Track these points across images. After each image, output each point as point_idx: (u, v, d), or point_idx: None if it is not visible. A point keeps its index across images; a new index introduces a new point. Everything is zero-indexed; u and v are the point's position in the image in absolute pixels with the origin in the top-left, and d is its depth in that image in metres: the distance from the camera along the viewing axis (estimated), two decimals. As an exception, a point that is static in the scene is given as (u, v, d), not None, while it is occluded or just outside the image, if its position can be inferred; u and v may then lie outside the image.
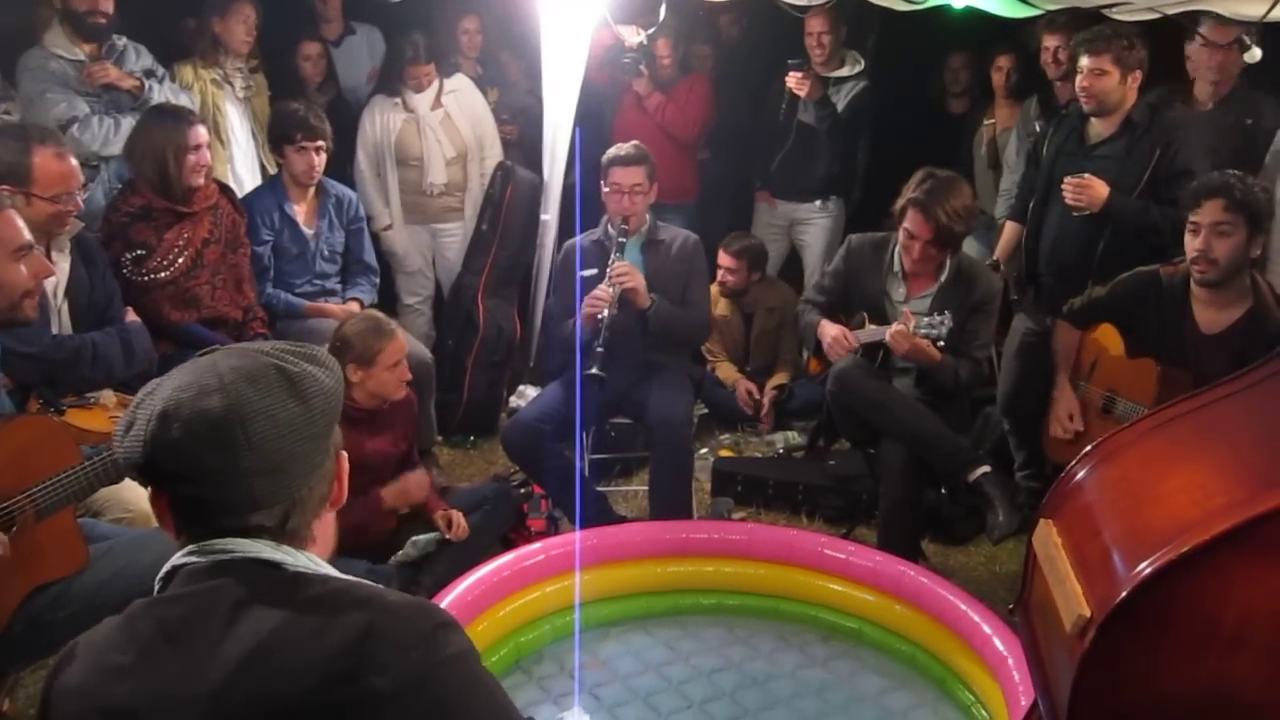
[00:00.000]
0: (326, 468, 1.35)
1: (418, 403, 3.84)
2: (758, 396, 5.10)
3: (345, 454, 1.40)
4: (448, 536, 3.55)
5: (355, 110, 5.14)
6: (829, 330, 3.86)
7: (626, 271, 3.92)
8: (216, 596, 1.26)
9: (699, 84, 5.52)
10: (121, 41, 4.22)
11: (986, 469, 3.60)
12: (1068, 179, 3.96)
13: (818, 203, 5.42)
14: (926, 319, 3.62)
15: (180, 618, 1.26)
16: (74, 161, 3.14)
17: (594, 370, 3.73)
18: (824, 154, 5.27)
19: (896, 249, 3.83)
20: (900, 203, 3.70)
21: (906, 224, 3.67)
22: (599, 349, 3.77)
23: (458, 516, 3.60)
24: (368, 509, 3.43)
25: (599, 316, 3.82)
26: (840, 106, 5.17)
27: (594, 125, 5.10)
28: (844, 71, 5.21)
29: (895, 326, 3.63)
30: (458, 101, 5.06)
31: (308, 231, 4.36)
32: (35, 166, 3.01)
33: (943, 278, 3.77)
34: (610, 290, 3.86)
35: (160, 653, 1.24)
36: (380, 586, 1.33)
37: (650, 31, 4.95)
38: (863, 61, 5.27)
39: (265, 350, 1.33)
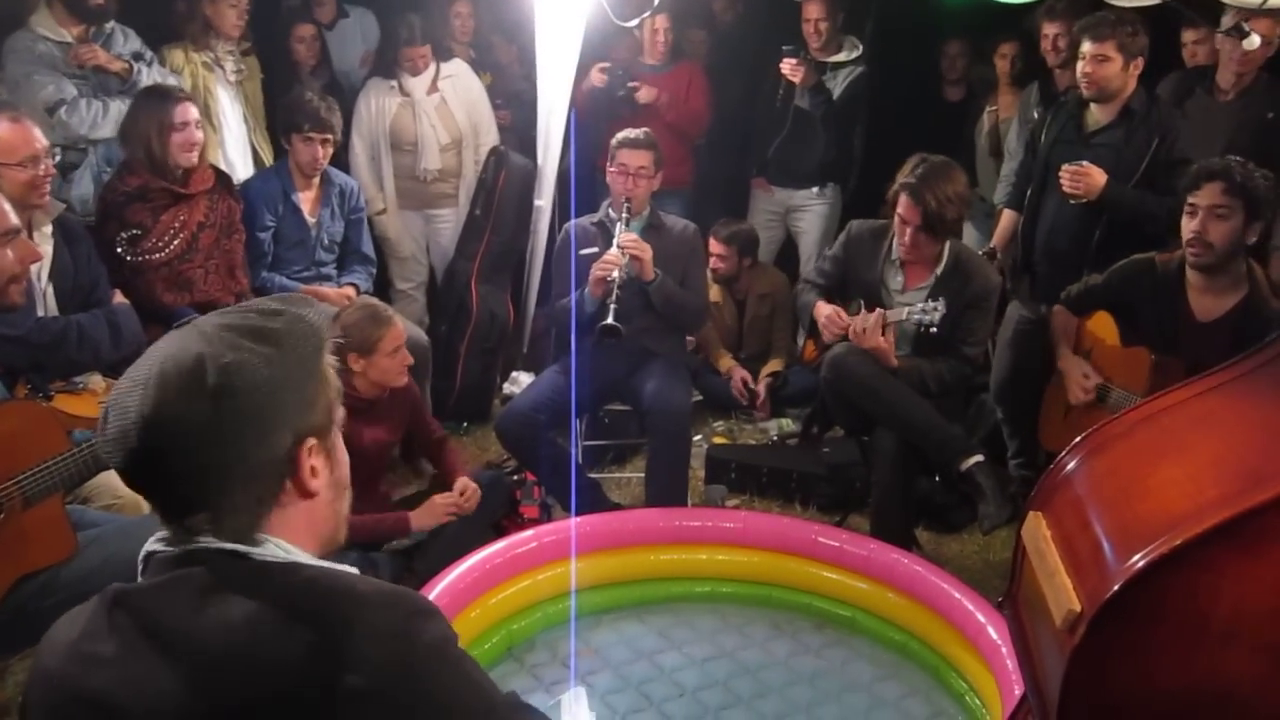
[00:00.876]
0: (267, 463, 1.26)
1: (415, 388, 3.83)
2: (754, 386, 5.09)
3: (312, 441, 1.30)
4: (455, 503, 3.55)
5: (348, 94, 5.11)
6: (823, 310, 3.87)
7: (634, 240, 3.93)
8: (183, 587, 1.23)
9: (697, 78, 5.45)
10: (110, 25, 4.18)
11: (978, 458, 3.59)
12: (1065, 167, 3.94)
13: (814, 189, 5.39)
14: (920, 304, 3.61)
15: (152, 607, 1.23)
16: (32, 125, 3.12)
17: (609, 320, 3.73)
18: (820, 140, 5.24)
19: (894, 239, 3.82)
20: (893, 188, 3.69)
21: (899, 209, 3.66)
22: (613, 305, 3.78)
23: (473, 488, 3.60)
24: (396, 529, 3.48)
25: (609, 278, 3.83)
26: (837, 92, 5.14)
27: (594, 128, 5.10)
28: (841, 57, 5.18)
29: (862, 322, 3.63)
30: (454, 87, 5.03)
31: (310, 220, 4.35)
32: None
33: (939, 269, 3.75)
34: (619, 255, 3.87)
35: (137, 643, 1.22)
36: (355, 574, 1.29)
37: (647, 15, 4.90)
38: (860, 47, 5.24)
39: (206, 332, 1.25)
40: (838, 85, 5.17)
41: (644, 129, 4.16)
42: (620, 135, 4.10)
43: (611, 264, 3.85)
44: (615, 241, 3.92)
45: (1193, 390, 1.31)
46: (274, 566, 1.26)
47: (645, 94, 5.25)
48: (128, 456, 1.23)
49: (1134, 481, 1.24)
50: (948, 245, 3.76)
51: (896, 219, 3.69)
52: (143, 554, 1.29)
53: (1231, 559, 1.11)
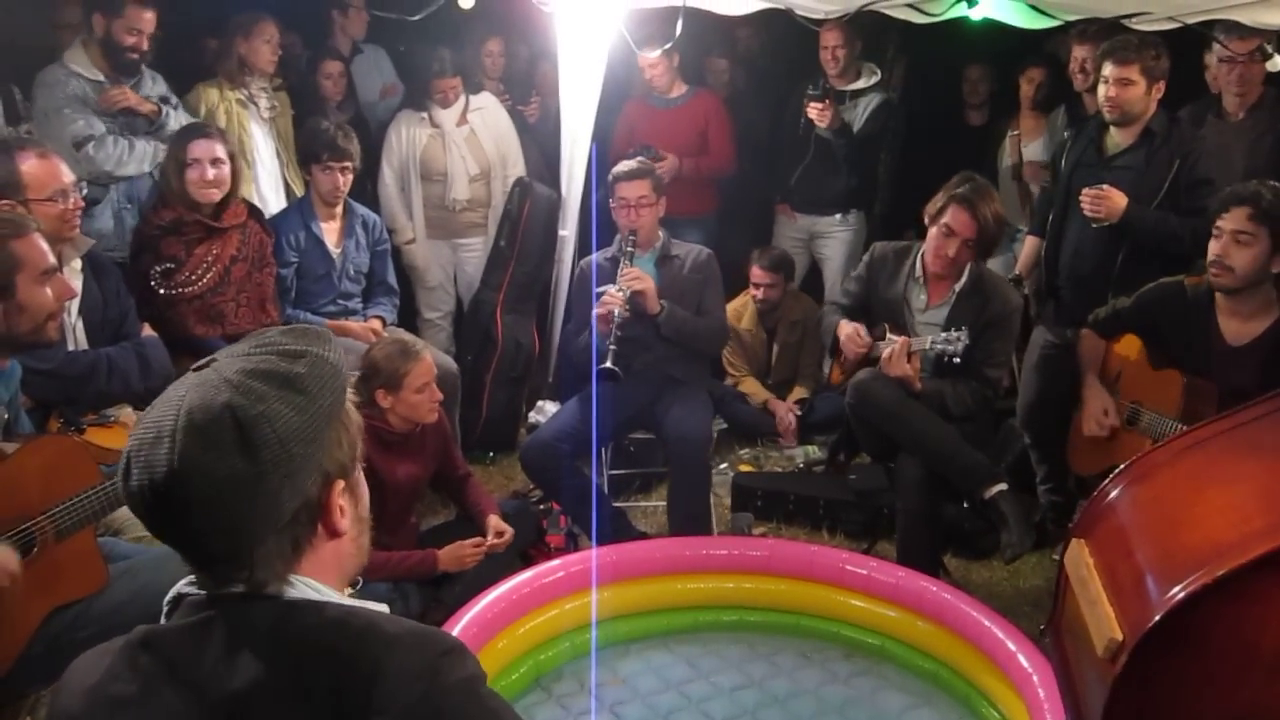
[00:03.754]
0: (300, 509, 1.24)
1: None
2: (798, 413, 5.07)
3: (341, 484, 1.29)
4: (488, 542, 3.55)
5: (371, 127, 5.17)
6: (844, 329, 3.89)
7: (636, 275, 3.95)
8: (212, 629, 1.22)
9: (716, 112, 5.42)
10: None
11: (1003, 487, 3.57)
12: (1086, 190, 3.93)
13: (838, 216, 5.40)
14: (944, 334, 3.60)
15: (180, 649, 1.23)
16: (58, 160, 3.16)
17: (608, 364, 3.75)
18: (843, 168, 5.25)
19: (919, 257, 3.84)
20: (940, 201, 3.68)
21: (947, 219, 3.65)
22: (612, 346, 3.80)
23: (509, 532, 3.61)
24: (422, 567, 3.45)
25: (612, 316, 3.85)
26: (859, 121, 5.15)
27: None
28: (860, 84, 5.19)
29: (889, 350, 3.62)
30: (483, 119, 5.08)
31: (335, 252, 4.38)
32: (23, 173, 3.04)
33: (958, 286, 3.75)
34: (620, 293, 3.89)
35: (161, 684, 1.21)
36: (383, 611, 1.29)
37: (668, 46, 4.93)
38: (879, 73, 5.25)
39: (231, 379, 1.21)
40: (859, 114, 5.18)
41: (639, 157, 4.17)
42: (616, 169, 4.12)
43: (611, 303, 3.87)
44: (618, 278, 3.94)
45: (1236, 420, 1.29)
46: (304, 606, 1.25)
47: (666, 165, 5.17)
48: (154, 510, 1.21)
49: (1178, 510, 1.23)
50: (968, 264, 3.76)
51: (941, 230, 3.67)
52: (171, 596, 1.28)
53: (1279, 589, 1.09)
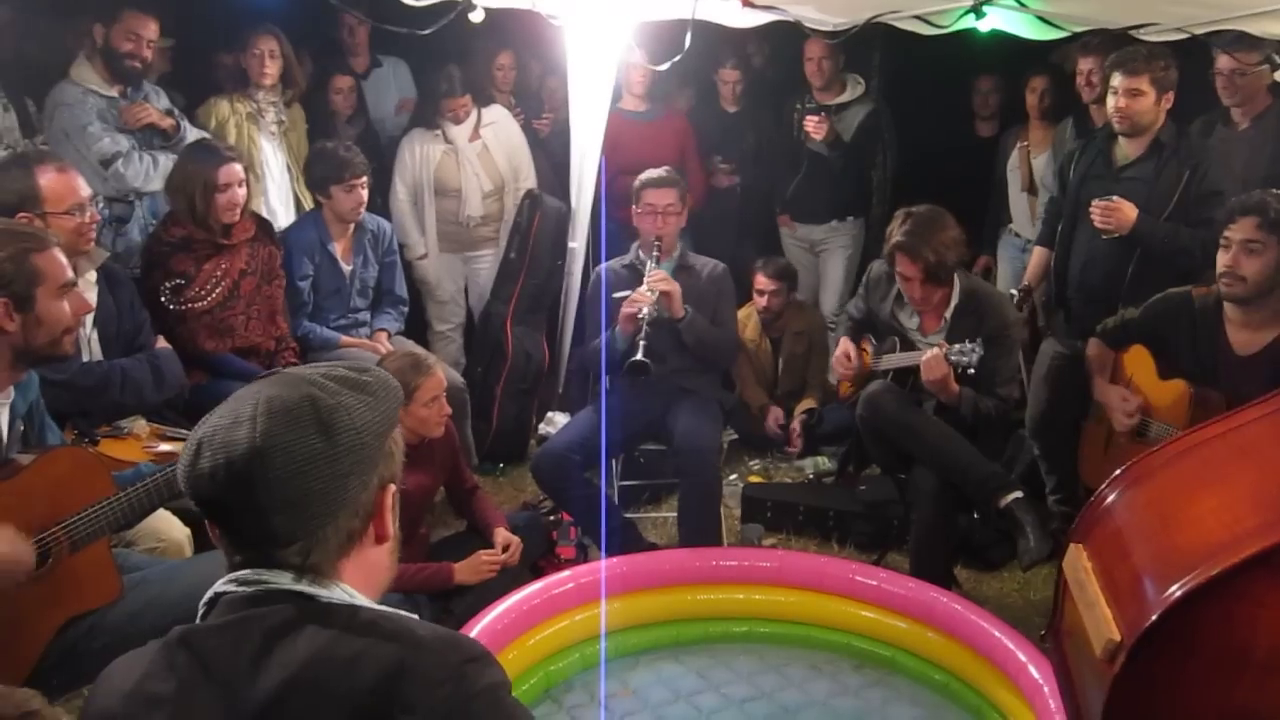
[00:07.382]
0: (360, 503, 1.33)
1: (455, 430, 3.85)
2: (783, 423, 5.08)
3: (392, 488, 1.38)
4: (500, 557, 3.56)
5: (383, 141, 5.20)
6: (840, 346, 3.95)
7: (663, 277, 3.98)
8: (250, 628, 1.26)
9: (686, 135, 5.47)
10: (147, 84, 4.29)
11: (1018, 494, 3.57)
12: (1095, 202, 3.93)
13: (834, 222, 5.45)
14: (958, 346, 3.60)
15: (216, 648, 1.27)
16: (76, 174, 3.20)
17: (639, 356, 3.76)
18: (838, 179, 5.30)
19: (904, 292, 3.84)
20: (886, 248, 3.70)
21: (898, 268, 3.68)
22: (642, 340, 3.82)
23: (516, 542, 3.62)
24: (436, 579, 3.47)
25: (640, 314, 3.87)
26: (849, 133, 5.19)
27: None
28: (845, 97, 5.24)
29: (931, 353, 3.62)
30: (495, 133, 5.11)
31: (346, 268, 4.42)
32: (42, 187, 3.08)
33: (949, 311, 3.75)
34: (650, 293, 3.91)
35: (196, 682, 1.25)
36: (413, 618, 1.33)
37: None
38: (863, 84, 5.30)
39: (308, 378, 1.33)
40: (849, 125, 5.22)
41: (666, 167, 4.20)
42: (644, 176, 4.15)
43: (641, 301, 3.89)
44: (645, 279, 3.96)
45: (1231, 423, 1.31)
46: (338, 608, 1.30)
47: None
48: (224, 489, 1.27)
49: (1173, 512, 1.24)
50: (956, 283, 3.75)
51: (898, 277, 3.71)
52: (209, 595, 1.33)
53: (1271, 588, 1.10)
